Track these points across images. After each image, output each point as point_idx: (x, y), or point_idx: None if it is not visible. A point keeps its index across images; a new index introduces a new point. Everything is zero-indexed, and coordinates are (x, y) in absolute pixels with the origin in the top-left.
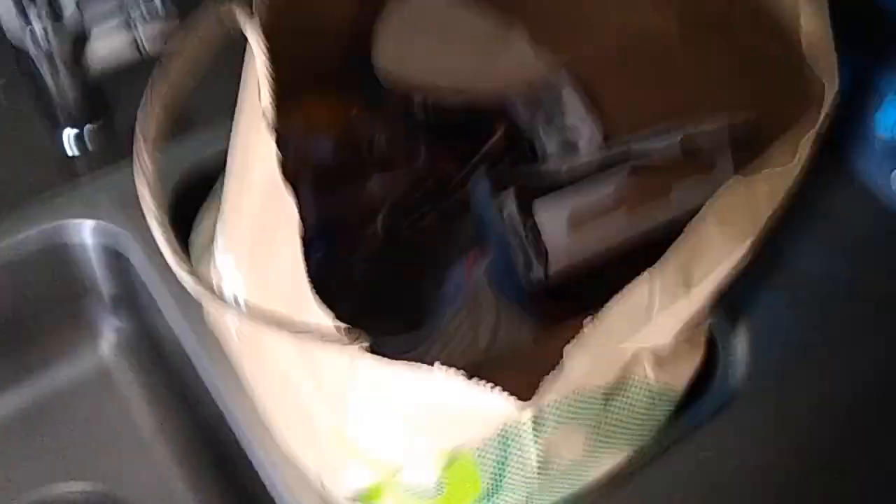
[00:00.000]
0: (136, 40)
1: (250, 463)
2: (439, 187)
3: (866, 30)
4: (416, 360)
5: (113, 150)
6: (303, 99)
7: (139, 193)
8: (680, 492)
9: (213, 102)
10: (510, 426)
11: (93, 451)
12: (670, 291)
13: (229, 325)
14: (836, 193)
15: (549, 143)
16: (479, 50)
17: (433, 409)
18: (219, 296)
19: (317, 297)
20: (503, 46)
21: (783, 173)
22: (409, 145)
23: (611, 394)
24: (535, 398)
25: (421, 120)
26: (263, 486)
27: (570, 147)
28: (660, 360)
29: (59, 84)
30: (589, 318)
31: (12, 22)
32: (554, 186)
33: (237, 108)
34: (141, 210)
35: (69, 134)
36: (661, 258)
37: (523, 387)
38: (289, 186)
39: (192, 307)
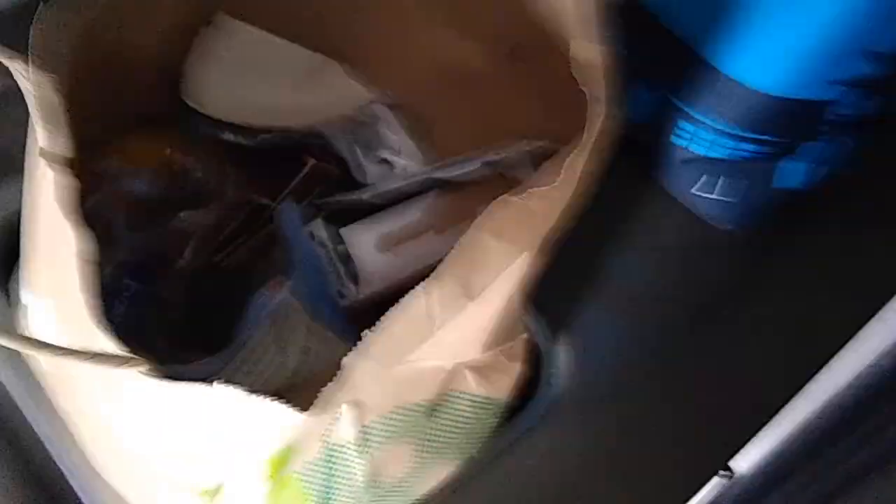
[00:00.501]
0: None
1: None
2: (251, 219)
3: (666, 60)
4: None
5: None
6: (123, 139)
7: None
8: (508, 498)
9: None
10: (333, 447)
11: None
12: (450, 302)
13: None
14: (647, 207)
15: (369, 174)
16: (293, 83)
17: (226, 425)
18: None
19: (100, 322)
20: (318, 80)
21: (550, 191)
22: (221, 179)
23: (434, 408)
24: (317, 408)
25: (233, 153)
26: None
27: (388, 176)
28: (479, 374)
29: None
30: (367, 330)
31: None
32: (362, 213)
33: (27, 154)
34: None
35: None
36: (437, 270)
37: None
38: (72, 217)
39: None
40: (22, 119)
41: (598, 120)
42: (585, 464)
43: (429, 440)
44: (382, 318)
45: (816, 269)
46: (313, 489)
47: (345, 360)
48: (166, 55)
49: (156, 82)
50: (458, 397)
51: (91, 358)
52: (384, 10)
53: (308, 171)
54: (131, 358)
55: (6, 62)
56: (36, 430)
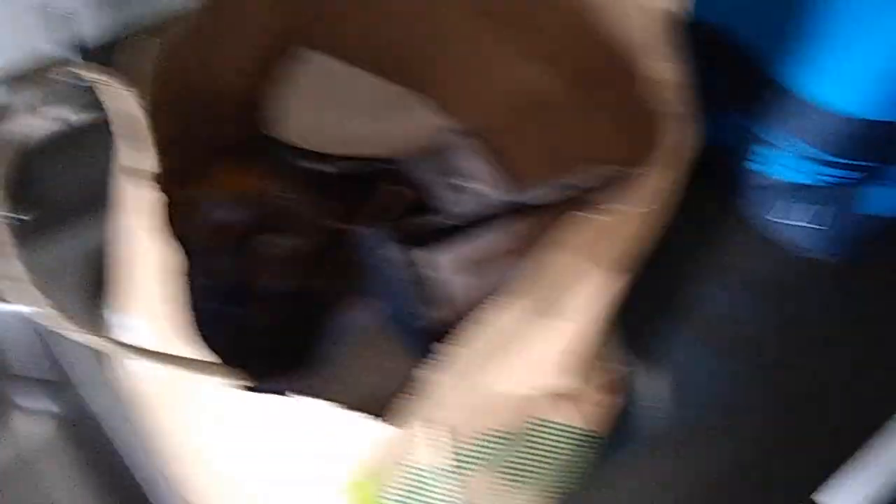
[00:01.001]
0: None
1: None
2: (331, 244)
3: (745, 86)
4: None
5: (26, 233)
6: (206, 169)
7: None
8: None
9: None
10: (418, 471)
11: None
12: (527, 319)
13: (132, 378)
14: (737, 236)
15: (445, 201)
16: (371, 114)
17: (311, 443)
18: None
19: (191, 334)
20: (396, 110)
21: (627, 210)
22: (303, 206)
23: (526, 436)
24: (395, 419)
25: (321, 181)
26: None
27: (468, 206)
28: (568, 403)
29: None
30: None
31: None
32: (444, 238)
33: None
34: (59, 292)
35: None
36: (514, 286)
37: None
38: (159, 231)
39: (112, 384)
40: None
41: (674, 138)
42: (675, 496)
43: (519, 470)
44: (459, 333)
45: None
46: None
47: (423, 373)
48: (248, 87)
49: (237, 113)
50: (549, 427)
51: (190, 365)
52: (460, 41)
53: (386, 197)
54: (226, 371)
55: (92, 79)
56: (129, 459)
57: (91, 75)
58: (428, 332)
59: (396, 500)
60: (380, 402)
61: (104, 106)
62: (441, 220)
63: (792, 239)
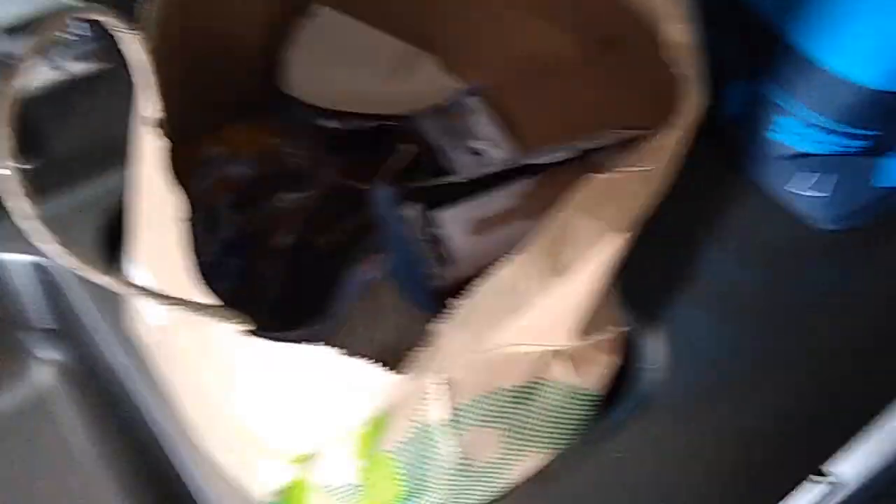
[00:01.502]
0: (70, 79)
1: (183, 481)
2: (347, 202)
3: (762, 54)
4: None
5: (45, 185)
6: (225, 127)
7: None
8: (594, 492)
9: None
10: (424, 427)
11: (31, 480)
12: (537, 276)
13: (147, 331)
14: (743, 203)
15: (459, 163)
16: (386, 73)
17: (318, 389)
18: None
19: (199, 280)
20: (412, 70)
21: (644, 172)
22: (318, 164)
23: (525, 395)
24: (408, 371)
25: (333, 139)
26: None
27: (480, 167)
28: (570, 363)
29: None
30: (459, 299)
31: None
32: (455, 197)
33: (132, 129)
34: (73, 242)
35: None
36: (525, 244)
37: None
38: (167, 175)
39: (126, 333)
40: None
41: (688, 100)
42: (675, 460)
43: (519, 427)
44: (473, 287)
45: None
46: (405, 469)
47: (437, 327)
48: (264, 44)
49: (254, 71)
50: (549, 385)
51: (197, 308)
52: (478, 5)
53: (402, 156)
54: (232, 314)
55: (120, 31)
56: (141, 404)
57: (96, 17)
58: (437, 289)
59: (396, 449)
60: (386, 353)
61: (123, 52)
62: (451, 179)
63: (801, 208)
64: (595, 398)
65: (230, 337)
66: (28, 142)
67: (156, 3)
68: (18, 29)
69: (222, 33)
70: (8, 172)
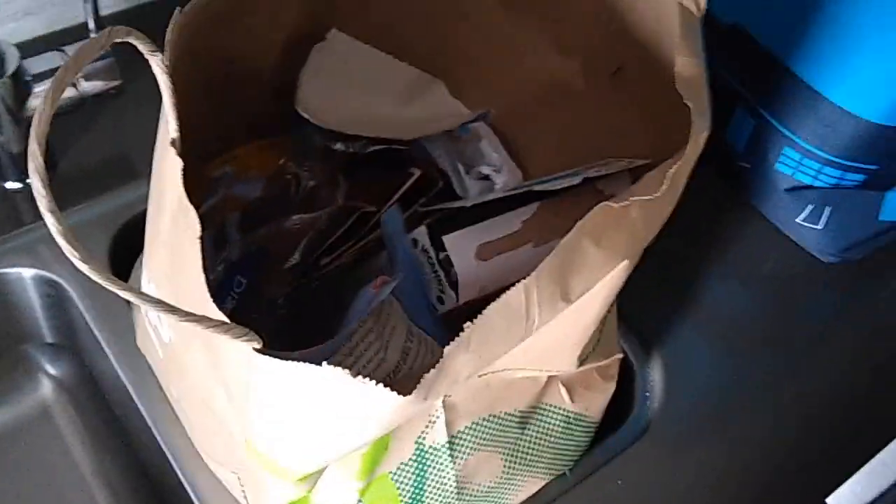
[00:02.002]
0: (80, 98)
1: (189, 497)
2: (358, 225)
3: (765, 84)
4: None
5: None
6: (236, 148)
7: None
8: None
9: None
10: (426, 449)
11: (33, 492)
12: (548, 303)
13: (156, 347)
14: (746, 234)
15: (470, 189)
16: (397, 98)
17: (326, 409)
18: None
19: (209, 295)
20: (421, 96)
21: (652, 201)
22: (331, 186)
23: (526, 419)
24: (416, 393)
25: (343, 161)
26: None
27: (487, 192)
28: (572, 389)
29: (3, 137)
30: (469, 323)
31: None
32: (462, 221)
33: (156, 146)
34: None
35: (13, 184)
36: (536, 270)
37: None
38: (187, 198)
39: (132, 349)
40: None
41: (702, 133)
42: (674, 489)
43: (519, 452)
44: (483, 312)
45: None
46: (404, 490)
47: (446, 349)
48: (277, 67)
49: (266, 93)
50: (551, 411)
51: (213, 325)
52: (481, 29)
53: (414, 181)
54: (246, 332)
55: (149, 53)
56: (146, 418)
57: (131, 39)
58: (443, 312)
59: (396, 471)
60: (393, 375)
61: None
62: (458, 203)
63: (810, 241)
64: (593, 424)
65: (243, 354)
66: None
67: (173, 26)
68: (31, 45)
69: (236, 56)
70: (40, 186)
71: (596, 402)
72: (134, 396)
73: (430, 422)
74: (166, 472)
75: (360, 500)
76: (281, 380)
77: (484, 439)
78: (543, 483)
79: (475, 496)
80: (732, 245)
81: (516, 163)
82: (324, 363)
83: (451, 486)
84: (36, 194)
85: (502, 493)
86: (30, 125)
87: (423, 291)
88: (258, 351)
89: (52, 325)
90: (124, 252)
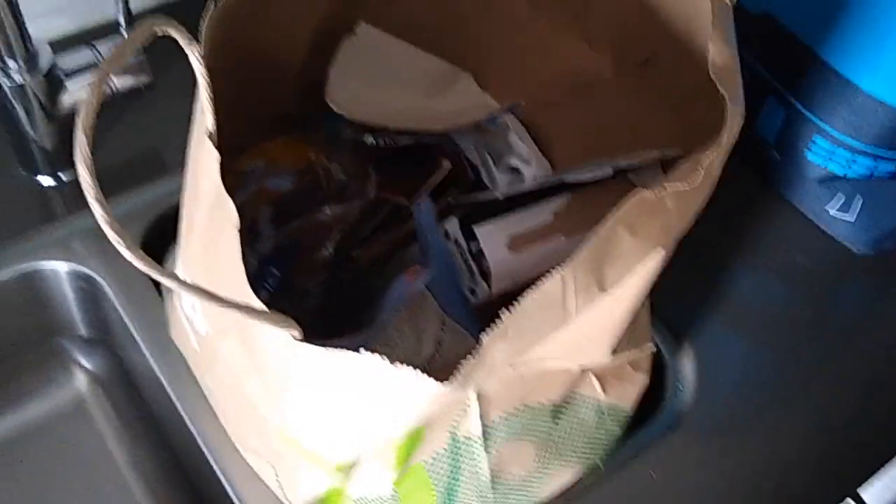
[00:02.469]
0: (110, 89)
1: (223, 487)
2: (389, 217)
3: (797, 73)
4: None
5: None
6: (267, 141)
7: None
8: None
9: (186, 149)
10: (459, 440)
11: (69, 485)
12: (584, 290)
13: (191, 339)
14: (777, 225)
15: (499, 181)
16: (426, 91)
17: (364, 397)
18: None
19: (249, 284)
20: (449, 88)
21: (687, 191)
22: (362, 179)
23: (559, 410)
24: (454, 381)
25: (374, 154)
26: None
27: (517, 184)
28: (605, 380)
29: (36, 132)
30: (505, 311)
31: None
32: (493, 213)
33: (190, 139)
34: (115, 250)
35: (47, 179)
36: (572, 259)
37: None
38: (225, 190)
39: (166, 341)
40: (169, 117)
41: (736, 122)
42: (706, 481)
43: (552, 442)
44: (519, 300)
45: None
46: (438, 480)
47: (484, 338)
48: (307, 61)
49: (296, 86)
50: (583, 402)
51: (254, 313)
52: (514, 25)
53: (444, 173)
54: (286, 320)
55: (187, 44)
56: (180, 410)
57: (171, 32)
58: (476, 303)
59: (430, 461)
60: (427, 365)
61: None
62: (489, 195)
63: (842, 232)
64: (626, 416)
65: (281, 343)
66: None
67: (208, 19)
68: (62, 43)
69: (267, 50)
70: (87, 176)
71: (628, 394)
72: (168, 388)
73: (463, 412)
74: (201, 463)
75: (394, 491)
76: (319, 368)
77: (517, 430)
78: (576, 474)
79: (508, 486)
80: (763, 236)
81: (544, 154)
82: (362, 351)
83: (484, 476)
84: (83, 184)
85: (535, 484)
86: (62, 121)
87: (455, 283)
88: (298, 339)
89: (86, 319)
90: (156, 245)
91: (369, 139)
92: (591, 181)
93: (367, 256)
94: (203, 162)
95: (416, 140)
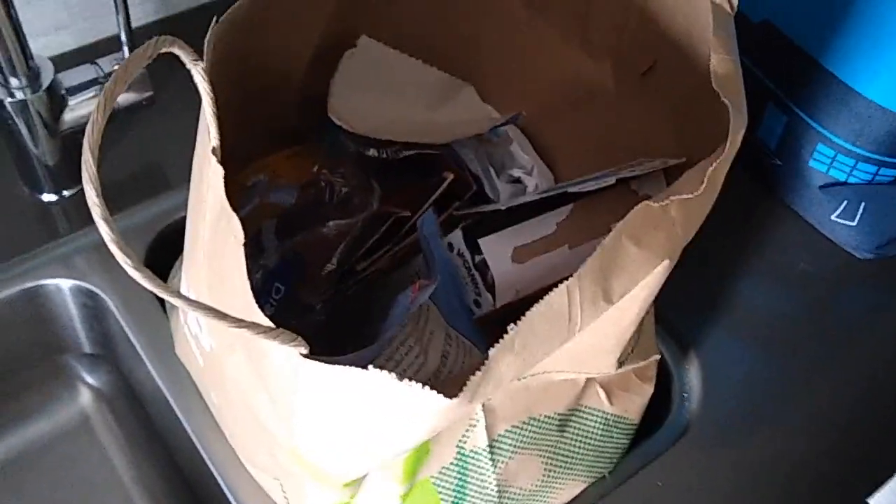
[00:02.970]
0: (113, 109)
1: (228, 502)
2: (394, 230)
3: (798, 80)
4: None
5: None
6: (270, 155)
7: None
8: None
9: (188, 164)
10: (467, 453)
11: (73, 502)
12: (590, 302)
13: (196, 355)
14: (780, 232)
15: (502, 192)
16: (427, 103)
17: (371, 413)
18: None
19: (256, 302)
20: (451, 100)
21: (691, 200)
22: (366, 192)
23: (565, 422)
24: (462, 396)
25: (377, 167)
26: None
27: (519, 195)
28: (611, 392)
29: (38, 148)
30: (513, 325)
31: None
32: (496, 224)
33: (195, 154)
34: (119, 267)
35: (49, 196)
36: (578, 271)
37: None
38: (230, 206)
39: (170, 357)
40: (171, 132)
41: (740, 130)
42: (714, 489)
43: (559, 455)
44: (526, 313)
45: None
46: (446, 494)
47: (491, 351)
48: (309, 74)
49: (298, 100)
50: (589, 413)
51: (261, 330)
52: (515, 36)
53: (448, 185)
54: (293, 337)
55: (191, 62)
56: (186, 426)
57: (175, 50)
58: (480, 315)
59: (438, 475)
60: (433, 379)
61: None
62: (492, 206)
63: (845, 237)
64: (632, 426)
65: (289, 360)
66: (76, 170)
67: (210, 35)
68: (63, 59)
69: (269, 64)
70: (94, 195)
71: (634, 404)
72: (173, 405)
73: (470, 426)
74: (206, 480)
75: None
76: (327, 385)
77: (524, 442)
78: (583, 486)
79: (516, 499)
80: (766, 243)
81: (547, 165)
82: (370, 367)
83: (491, 489)
84: (90, 203)
85: (542, 497)
86: (65, 138)
87: (459, 295)
88: (305, 356)
89: (90, 336)
90: (159, 261)
91: (372, 152)
92: (594, 191)
93: (371, 269)
94: (207, 177)
95: (418, 152)
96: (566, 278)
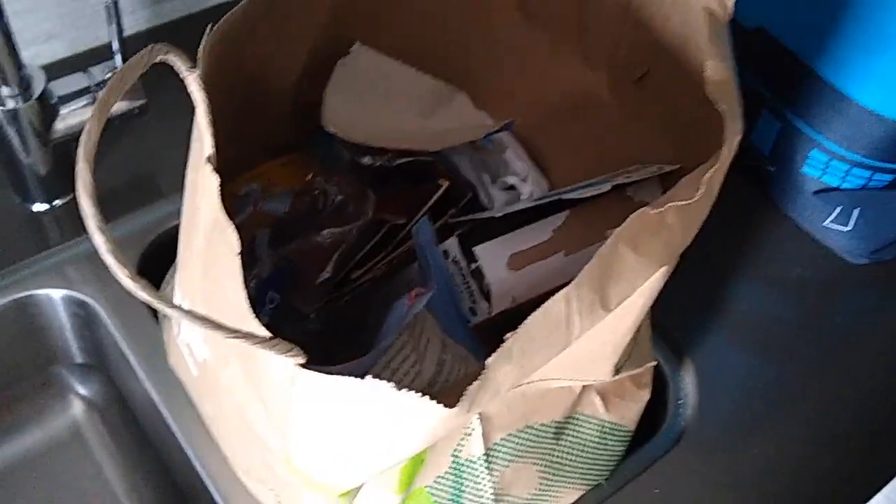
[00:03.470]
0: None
1: None
2: (389, 237)
3: (792, 87)
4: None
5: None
6: (263, 163)
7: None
8: None
9: (181, 172)
10: (462, 462)
11: None
12: (588, 309)
13: (190, 366)
14: (775, 238)
15: (496, 199)
16: (421, 111)
17: (369, 423)
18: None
19: (252, 312)
20: (445, 107)
21: (688, 206)
22: (360, 200)
23: (561, 430)
24: (461, 405)
25: (371, 174)
26: None
27: (514, 202)
28: (607, 398)
29: (29, 158)
30: (510, 333)
31: None
32: (491, 231)
33: (188, 163)
34: (110, 277)
35: (40, 205)
36: (576, 279)
37: None
38: (226, 215)
39: (163, 367)
40: (164, 141)
41: (736, 137)
42: (711, 495)
43: (555, 462)
44: (524, 322)
45: None
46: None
47: (489, 360)
48: (302, 82)
49: (290, 110)
50: (585, 421)
51: (257, 340)
52: (509, 44)
53: (443, 193)
54: (289, 347)
55: (185, 71)
56: (178, 437)
57: (170, 59)
58: (476, 322)
59: (434, 484)
60: (430, 388)
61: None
62: (487, 214)
63: (840, 243)
64: (628, 433)
65: (285, 370)
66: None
67: (204, 44)
68: (55, 68)
69: (263, 72)
70: (89, 204)
71: (630, 411)
72: (165, 415)
73: (466, 434)
74: (199, 491)
75: None
76: (324, 394)
77: (520, 451)
78: (579, 494)
79: None
80: (761, 249)
81: (541, 172)
82: (367, 377)
83: (488, 498)
84: (85, 214)
85: None
86: (56, 147)
87: (455, 303)
88: (302, 366)
89: (82, 346)
90: (152, 270)
91: (366, 160)
92: (590, 198)
93: (366, 278)
94: (202, 186)
95: (411, 159)
96: (562, 285)
